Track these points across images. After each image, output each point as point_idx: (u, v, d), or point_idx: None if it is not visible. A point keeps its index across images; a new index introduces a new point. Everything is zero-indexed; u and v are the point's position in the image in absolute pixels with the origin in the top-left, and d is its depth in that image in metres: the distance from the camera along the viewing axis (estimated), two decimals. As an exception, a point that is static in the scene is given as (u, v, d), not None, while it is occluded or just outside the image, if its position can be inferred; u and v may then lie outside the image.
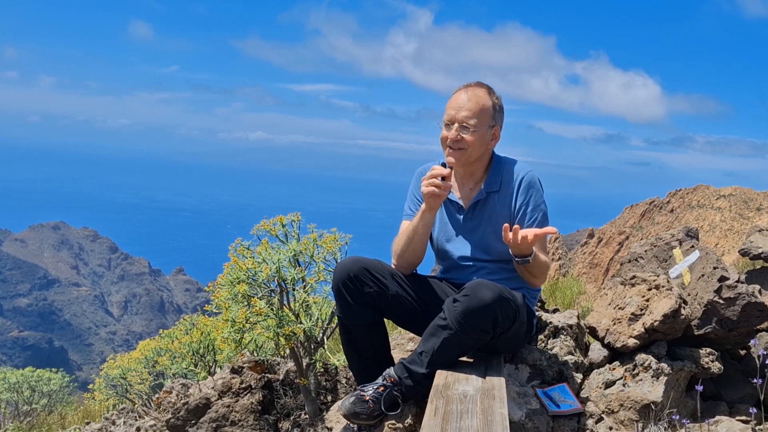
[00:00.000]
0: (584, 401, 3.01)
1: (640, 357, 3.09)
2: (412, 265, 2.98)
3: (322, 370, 3.66)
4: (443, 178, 2.82)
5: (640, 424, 2.92)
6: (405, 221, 3.10)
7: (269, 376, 3.68)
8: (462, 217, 3.02)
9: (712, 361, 3.16)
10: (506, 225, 2.75)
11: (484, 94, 2.94)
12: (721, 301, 3.19)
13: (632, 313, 3.16)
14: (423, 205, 2.89)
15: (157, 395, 4.44)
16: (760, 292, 3.27)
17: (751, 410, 2.70)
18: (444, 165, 2.87)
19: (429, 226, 2.93)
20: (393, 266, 2.99)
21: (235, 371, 3.67)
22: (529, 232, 2.71)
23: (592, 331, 3.34)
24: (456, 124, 2.89)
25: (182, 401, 3.58)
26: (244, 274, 3.27)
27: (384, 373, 2.73)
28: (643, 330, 3.10)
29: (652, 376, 3.02)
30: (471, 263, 3.01)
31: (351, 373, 3.54)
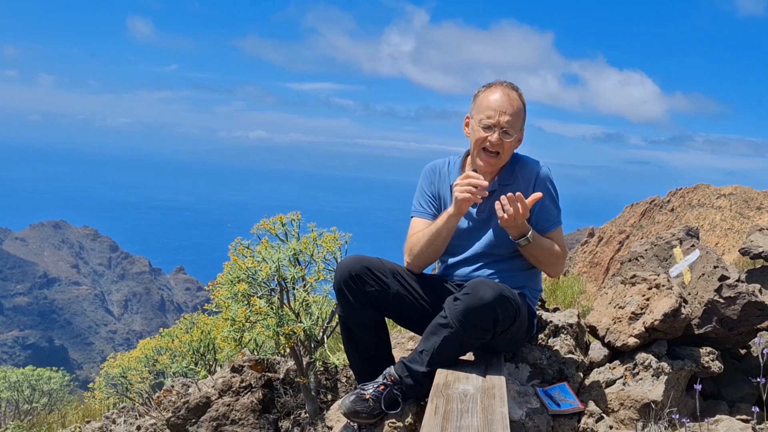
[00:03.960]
0: (584, 400, 3.01)
1: (641, 356, 3.09)
2: (426, 265, 2.99)
3: (322, 368, 3.66)
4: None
5: (641, 423, 2.92)
6: (416, 218, 3.07)
7: (269, 374, 3.68)
8: (475, 210, 2.99)
9: (713, 360, 3.16)
10: (503, 197, 2.73)
11: (518, 97, 2.92)
12: (721, 301, 3.19)
13: (632, 312, 3.16)
14: (451, 209, 2.86)
15: (157, 394, 4.45)
16: (760, 291, 3.27)
17: (753, 409, 2.70)
18: (474, 170, 2.87)
19: (452, 230, 2.92)
20: (405, 265, 2.98)
21: (236, 370, 3.67)
22: (522, 200, 2.73)
23: (593, 330, 3.34)
24: (498, 129, 2.85)
25: (182, 400, 3.58)
26: (244, 273, 3.27)
27: (384, 372, 2.73)
28: (643, 329, 3.10)
29: (653, 375, 3.02)
30: (478, 259, 2.99)
31: (351, 372, 3.53)
